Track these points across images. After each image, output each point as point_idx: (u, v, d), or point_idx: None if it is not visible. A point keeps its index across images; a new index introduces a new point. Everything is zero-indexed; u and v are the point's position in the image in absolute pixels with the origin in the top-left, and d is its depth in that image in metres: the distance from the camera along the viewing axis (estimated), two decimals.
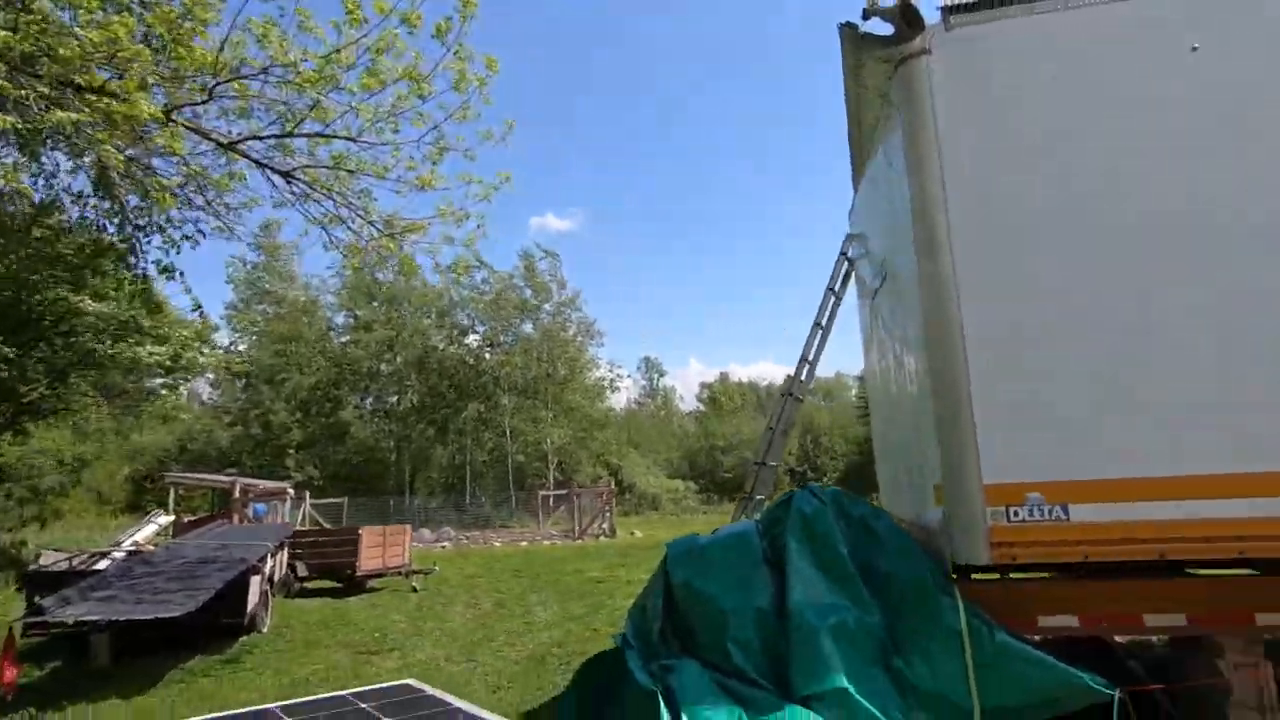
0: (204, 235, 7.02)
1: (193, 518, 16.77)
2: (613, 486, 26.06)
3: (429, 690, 2.17)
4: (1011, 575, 3.95)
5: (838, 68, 5.10)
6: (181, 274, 7.18)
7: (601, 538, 22.61)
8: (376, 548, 11.79)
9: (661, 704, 3.48)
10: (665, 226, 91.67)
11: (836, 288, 6.59)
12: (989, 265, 3.90)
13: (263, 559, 8.45)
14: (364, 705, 1.97)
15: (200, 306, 7.77)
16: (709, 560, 4.46)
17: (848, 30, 4.45)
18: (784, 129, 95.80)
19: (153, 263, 7.33)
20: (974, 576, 3.95)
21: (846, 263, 6.64)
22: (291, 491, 19.96)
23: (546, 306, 33.62)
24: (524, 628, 8.30)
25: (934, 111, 4.04)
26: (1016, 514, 3.66)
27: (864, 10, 4.34)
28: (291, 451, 30.54)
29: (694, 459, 44.82)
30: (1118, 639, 4.60)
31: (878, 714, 3.38)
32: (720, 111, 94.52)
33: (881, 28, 4.30)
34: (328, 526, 20.09)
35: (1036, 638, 3.77)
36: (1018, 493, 3.68)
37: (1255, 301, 3.58)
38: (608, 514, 23.99)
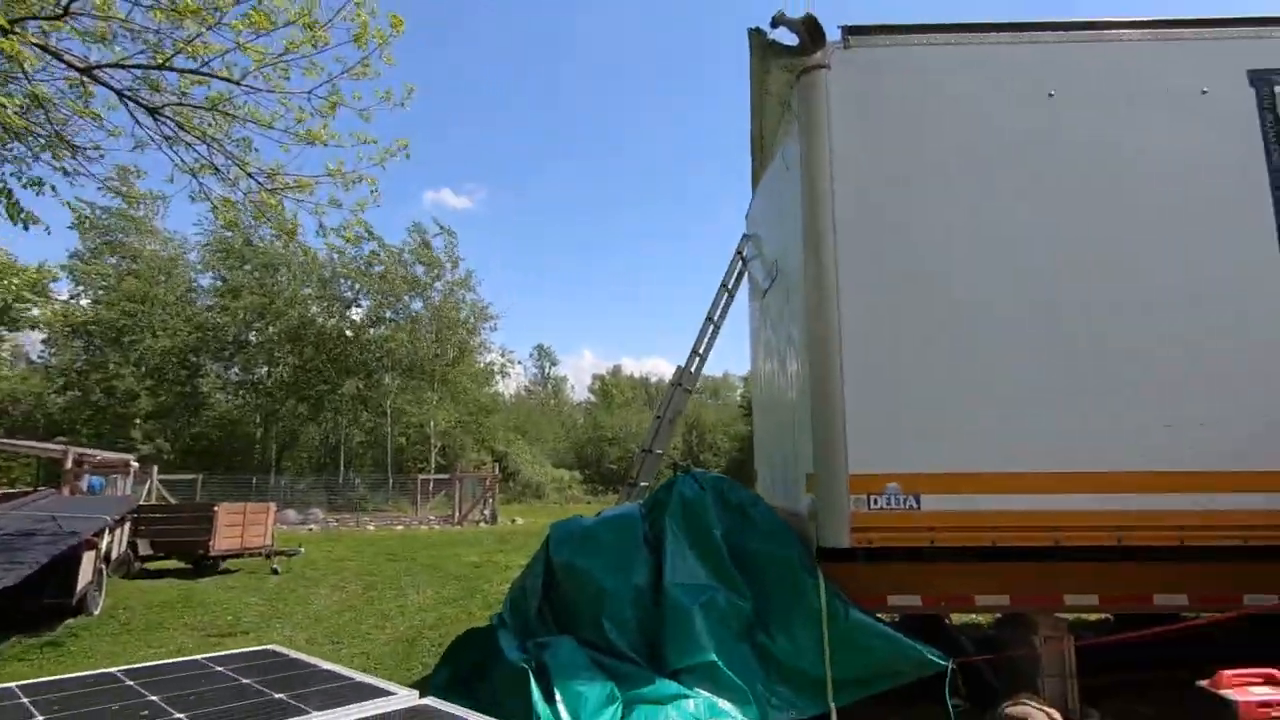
0: (53, 188, 6.07)
1: (10, 490, 14.81)
2: (497, 473, 25.61)
3: (294, 654, 2.07)
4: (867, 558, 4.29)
5: (745, 74, 5.30)
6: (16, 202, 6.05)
7: (482, 524, 22.21)
8: (235, 527, 10.95)
9: (532, 681, 3.51)
10: (570, 213, 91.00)
11: (730, 285, 6.83)
12: (866, 270, 4.21)
13: (99, 533, 7.65)
14: (220, 669, 1.85)
15: (24, 217, 5.72)
16: (592, 541, 4.53)
17: (756, 36, 4.64)
18: (698, 126, 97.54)
19: None
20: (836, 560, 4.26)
21: (741, 261, 6.90)
22: (135, 464, 18.14)
23: (438, 285, 32.46)
24: (395, 611, 8.03)
25: (828, 121, 4.31)
26: (876, 502, 3.98)
27: (773, 19, 4.55)
28: (139, 421, 27.70)
29: (581, 449, 44.94)
30: (951, 618, 5.11)
31: (742, 685, 3.58)
32: (638, 103, 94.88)
33: (788, 38, 4.53)
34: (174, 502, 18.45)
35: (885, 616, 4.15)
36: (878, 483, 4.01)
37: (1075, 321, 4.09)
38: (490, 500, 23.60)
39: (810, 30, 4.38)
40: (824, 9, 4.58)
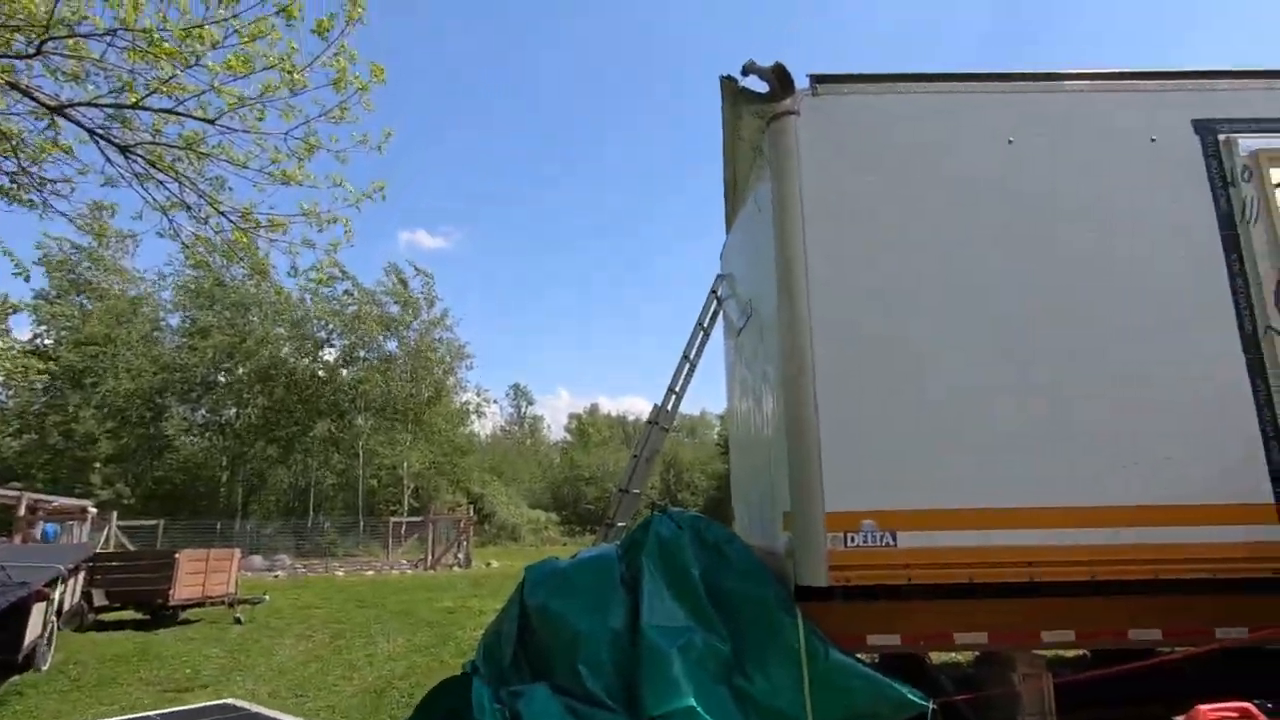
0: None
1: None
2: (472, 515, 25.11)
3: (255, 708, 1.97)
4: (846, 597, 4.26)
5: (717, 120, 5.45)
6: None
7: (456, 568, 21.68)
8: (197, 574, 10.56)
9: None
10: (548, 254, 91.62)
11: (706, 323, 6.88)
12: (839, 309, 4.28)
13: (51, 583, 7.31)
14: None
15: None
16: (567, 583, 4.43)
17: (728, 83, 4.78)
18: (673, 166, 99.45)
19: None
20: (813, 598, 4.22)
21: (716, 301, 6.98)
22: (93, 510, 17.49)
23: (414, 324, 32.26)
24: (364, 660, 7.74)
25: (799, 166, 4.43)
26: (853, 539, 3.97)
27: (743, 68, 4.70)
28: (98, 465, 26.79)
29: (558, 489, 44.42)
30: (931, 657, 5.07)
31: None
32: (610, 140, 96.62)
33: (758, 85, 4.67)
34: (132, 549, 17.76)
35: (865, 656, 4.10)
36: (854, 520, 4.00)
37: (1046, 362, 4.18)
38: (464, 543, 23.10)
39: (780, 78, 4.53)
40: (792, 59, 4.76)
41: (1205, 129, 4.49)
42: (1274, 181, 4.40)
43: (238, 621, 10.39)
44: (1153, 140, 4.47)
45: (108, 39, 5.08)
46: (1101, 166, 4.44)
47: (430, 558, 22.48)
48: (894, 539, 3.97)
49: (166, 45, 5.08)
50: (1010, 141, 4.49)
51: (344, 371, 30.79)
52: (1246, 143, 4.41)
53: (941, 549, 3.96)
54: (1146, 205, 4.37)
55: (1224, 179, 4.40)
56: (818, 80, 4.63)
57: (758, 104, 4.69)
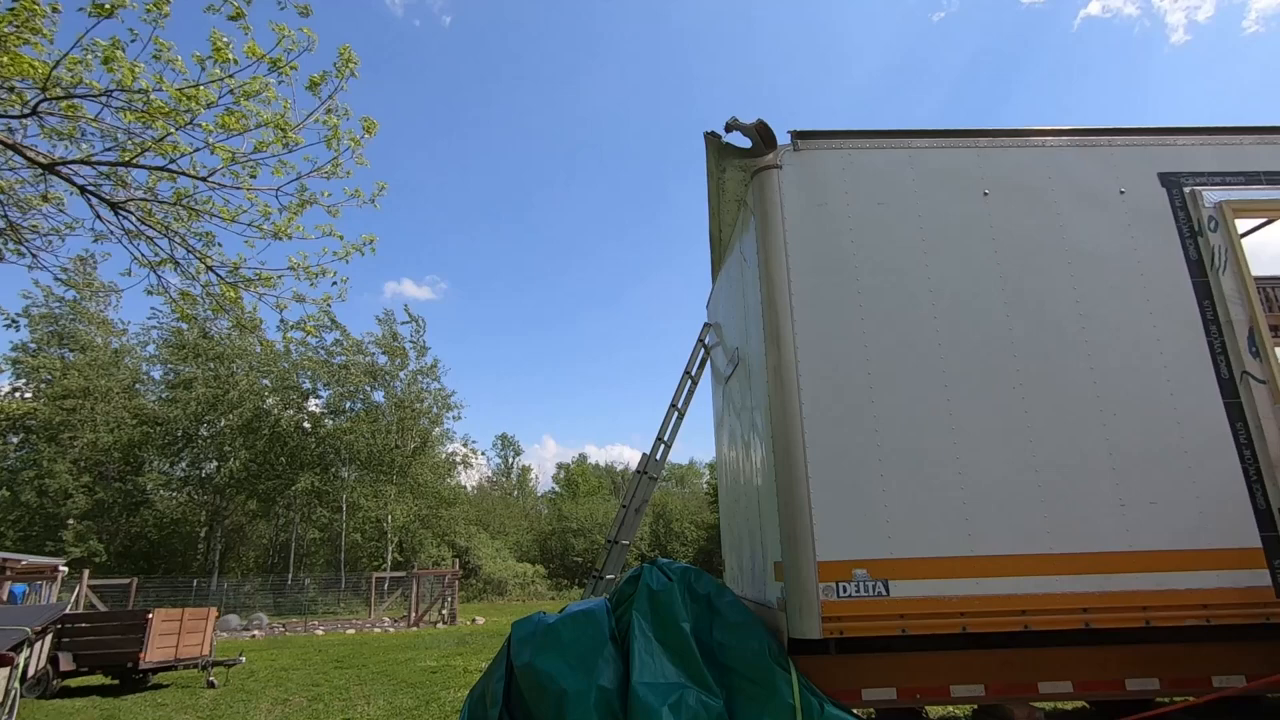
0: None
1: None
2: (458, 569, 24.52)
3: None
4: (840, 650, 4.17)
5: (701, 177, 5.60)
6: None
7: (440, 625, 21.06)
8: (170, 635, 10.17)
9: None
10: (533, 303, 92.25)
11: (694, 372, 6.93)
12: (824, 357, 4.32)
13: (17, 647, 7.01)
14: None
15: None
16: (555, 640, 4.31)
17: (712, 139, 4.93)
18: (656, 220, 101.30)
19: None
20: (806, 651, 4.14)
21: (703, 349, 7.03)
22: (64, 569, 16.94)
23: (402, 374, 32.10)
24: None
25: (783, 217, 4.54)
26: (845, 590, 3.92)
27: (726, 125, 4.87)
28: (71, 522, 26.04)
29: (545, 541, 43.56)
30: (928, 711, 4.94)
31: None
32: (590, 197, 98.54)
33: (741, 141, 4.82)
34: (103, 610, 17.13)
35: (861, 711, 3.99)
36: (846, 570, 3.96)
37: (1031, 409, 4.23)
38: (449, 599, 22.49)
39: (762, 134, 4.68)
40: (771, 117, 4.92)
41: (1171, 182, 4.67)
42: (1239, 231, 4.56)
43: (211, 685, 9.97)
44: (1121, 193, 4.64)
45: (103, 99, 5.17)
46: (1075, 218, 4.59)
47: (413, 614, 21.84)
48: (886, 589, 3.93)
49: (162, 105, 5.18)
50: (986, 194, 4.64)
51: (329, 423, 30.41)
52: (1211, 194, 4.59)
53: (934, 598, 3.92)
54: (1120, 254, 4.50)
55: (1192, 229, 4.55)
56: (799, 136, 4.79)
57: (741, 159, 4.83)
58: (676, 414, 6.83)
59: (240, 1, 5.11)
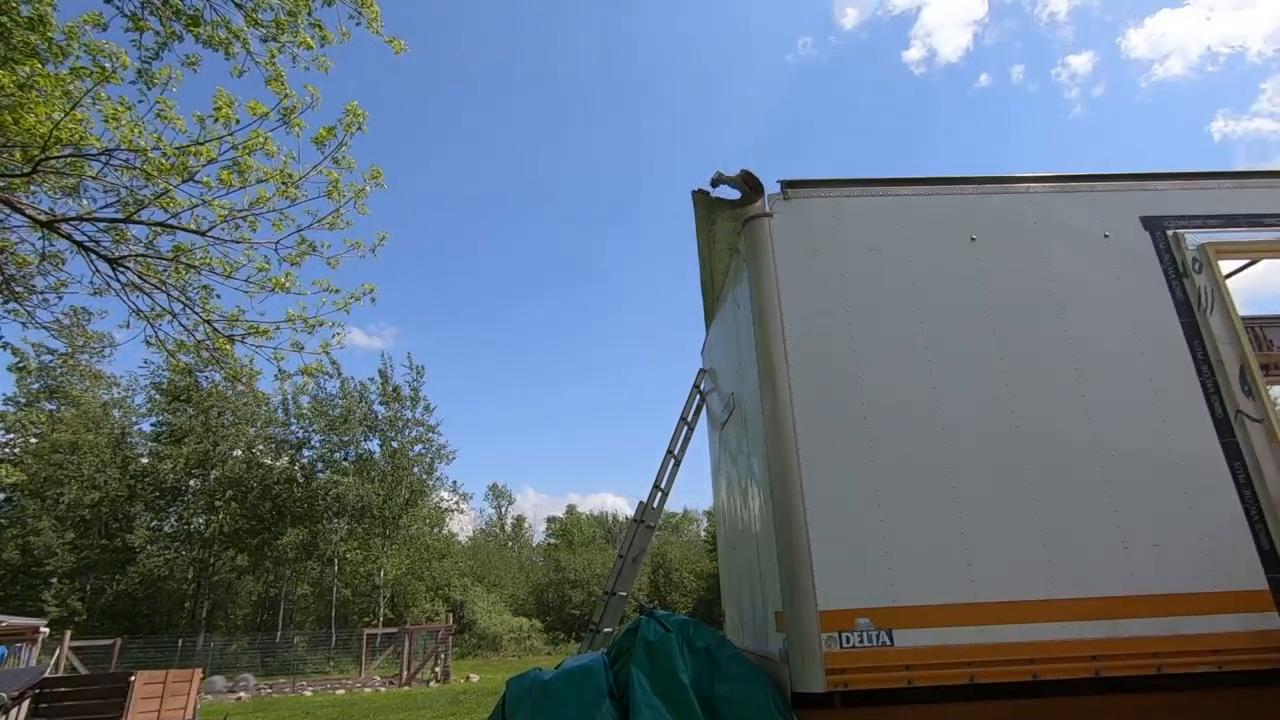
0: None
1: None
2: (452, 624, 23.86)
3: None
4: (845, 704, 4.04)
5: (685, 223, 5.69)
6: None
7: (433, 683, 20.40)
8: (153, 699, 9.82)
9: None
10: (490, 350, 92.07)
11: (689, 418, 6.90)
12: (820, 403, 4.32)
13: None
14: None
15: None
16: (551, 697, 4.17)
17: (700, 196, 5.03)
18: (635, 266, 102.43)
19: None
20: (813, 705, 4.01)
21: (699, 395, 7.02)
22: (45, 630, 16.43)
23: (401, 424, 31.86)
24: None
25: (774, 265, 4.60)
26: (849, 640, 3.82)
27: (712, 180, 4.96)
28: (54, 581, 25.39)
29: (542, 594, 42.57)
30: None
31: None
32: (548, 243, 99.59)
33: (729, 193, 4.92)
34: (84, 673, 16.55)
35: None
36: (849, 619, 3.87)
37: (1030, 453, 4.21)
38: (443, 656, 21.83)
39: (749, 183, 4.78)
40: (759, 166, 5.04)
41: (1154, 225, 4.76)
42: (1224, 272, 4.64)
43: None
44: (1106, 236, 4.73)
45: (104, 158, 5.27)
46: (1062, 262, 4.66)
47: (405, 673, 21.16)
48: (890, 638, 3.83)
49: (161, 162, 5.28)
50: (973, 239, 4.72)
51: (321, 475, 30.02)
52: (1193, 236, 4.68)
53: (939, 647, 3.82)
54: (1108, 298, 4.56)
55: (1177, 271, 4.63)
56: (788, 185, 4.89)
57: (732, 209, 4.92)
58: (674, 461, 6.77)
59: (245, 59, 5.26)
